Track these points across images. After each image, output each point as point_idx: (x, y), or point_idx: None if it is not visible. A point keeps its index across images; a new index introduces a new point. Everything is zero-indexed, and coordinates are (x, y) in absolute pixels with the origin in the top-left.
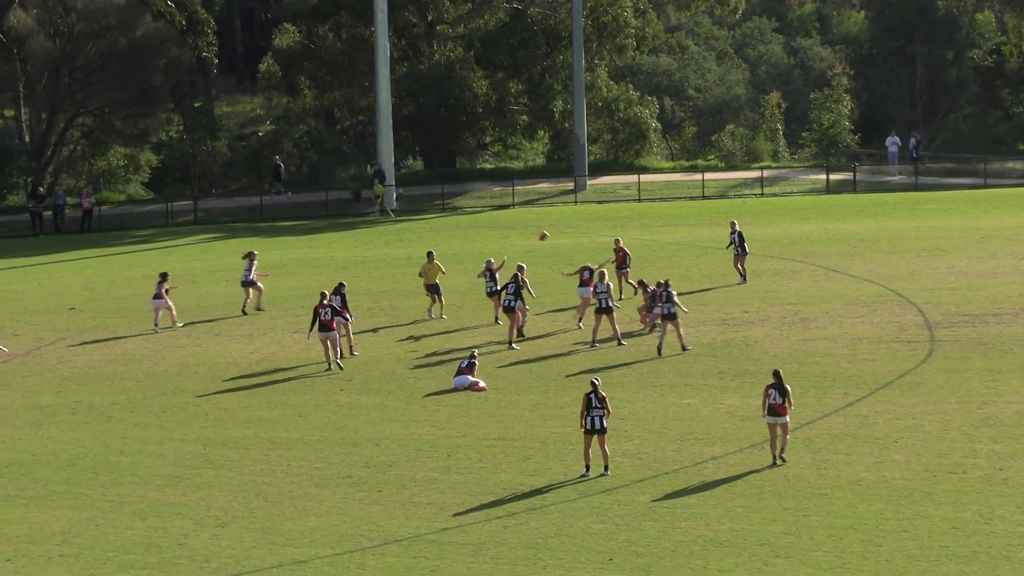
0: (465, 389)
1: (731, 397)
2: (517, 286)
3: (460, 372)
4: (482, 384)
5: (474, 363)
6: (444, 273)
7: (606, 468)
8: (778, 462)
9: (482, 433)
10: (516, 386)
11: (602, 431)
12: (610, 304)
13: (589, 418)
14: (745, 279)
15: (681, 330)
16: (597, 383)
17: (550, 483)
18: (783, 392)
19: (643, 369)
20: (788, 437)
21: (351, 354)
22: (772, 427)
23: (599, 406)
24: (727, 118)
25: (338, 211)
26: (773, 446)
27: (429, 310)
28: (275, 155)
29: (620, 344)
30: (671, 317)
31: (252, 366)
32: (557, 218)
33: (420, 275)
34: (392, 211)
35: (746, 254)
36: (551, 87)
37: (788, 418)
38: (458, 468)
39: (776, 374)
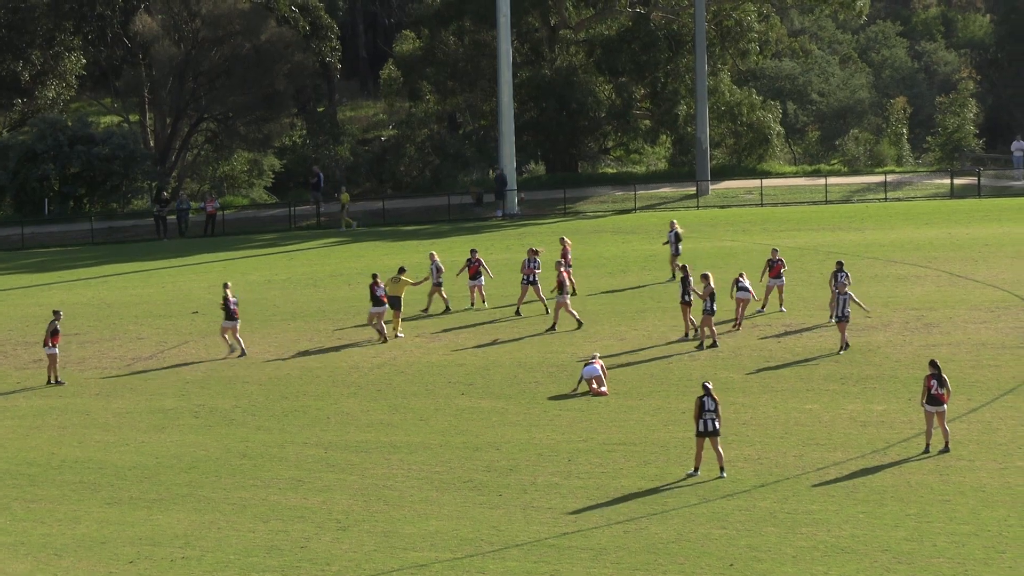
0: (594, 379)
1: (853, 403)
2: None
3: (587, 364)
4: (604, 388)
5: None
6: (414, 284)
7: (722, 470)
8: (931, 450)
9: (603, 438)
10: (637, 391)
11: (715, 433)
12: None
13: (703, 421)
14: (675, 278)
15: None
16: (709, 386)
17: (671, 488)
18: (942, 381)
19: (764, 374)
20: (948, 428)
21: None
22: (930, 416)
23: (712, 409)
24: (851, 122)
25: (461, 215)
26: (929, 434)
27: (396, 333)
28: (313, 165)
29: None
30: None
31: (374, 370)
32: (679, 223)
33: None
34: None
35: (678, 255)
36: (674, 92)
37: (946, 407)
38: (579, 473)
39: (934, 364)
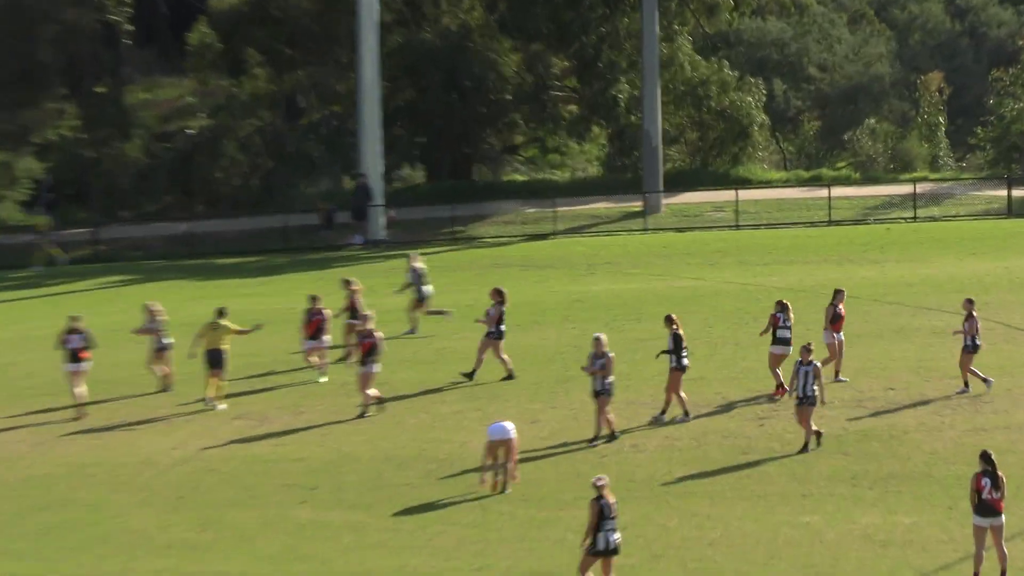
0: (503, 444)
1: (868, 513)
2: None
3: (496, 422)
4: (512, 464)
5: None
6: (239, 333)
7: None
8: None
9: (506, 565)
10: (555, 497)
11: (616, 552)
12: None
13: (603, 535)
14: (415, 330)
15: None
16: (604, 483)
17: None
18: (998, 482)
19: (741, 473)
20: (1006, 550)
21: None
22: (981, 531)
23: (613, 516)
24: (864, 109)
25: (303, 242)
26: (978, 559)
27: (208, 400)
28: (48, 174)
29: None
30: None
31: (175, 467)
32: (619, 252)
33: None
34: (379, 242)
35: (425, 298)
36: (611, 65)
37: (1004, 518)
38: None
39: (986, 457)
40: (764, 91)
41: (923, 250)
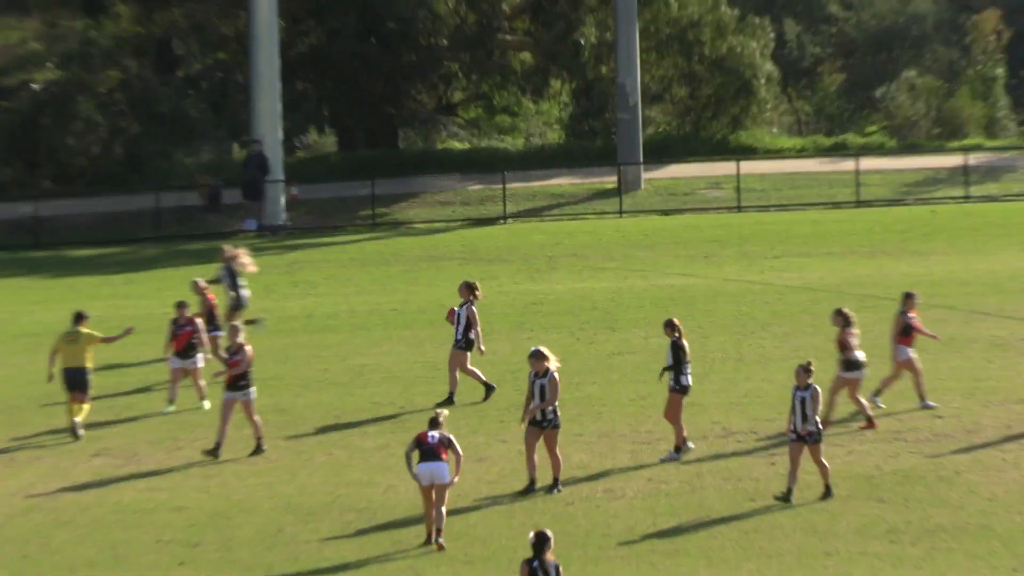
0: (435, 488)
1: None
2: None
3: (427, 453)
4: (456, 478)
5: (439, 422)
6: (106, 341)
7: None
8: None
9: None
10: (504, 557)
11: None
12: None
13: None
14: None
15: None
16: (547, 540)
17: None
18: None
19: (748, 525)
20: None
21: None
22: None
23: None
24: (901, 58)
25: (180, 228)
26: None
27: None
28: None
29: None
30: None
31: (14, 518)
32: (587, 242)
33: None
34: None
35: (241, 307)
36: (576, 1)
37: None
38: None
39: None
40: (772, 35)
41: (978, 239)
